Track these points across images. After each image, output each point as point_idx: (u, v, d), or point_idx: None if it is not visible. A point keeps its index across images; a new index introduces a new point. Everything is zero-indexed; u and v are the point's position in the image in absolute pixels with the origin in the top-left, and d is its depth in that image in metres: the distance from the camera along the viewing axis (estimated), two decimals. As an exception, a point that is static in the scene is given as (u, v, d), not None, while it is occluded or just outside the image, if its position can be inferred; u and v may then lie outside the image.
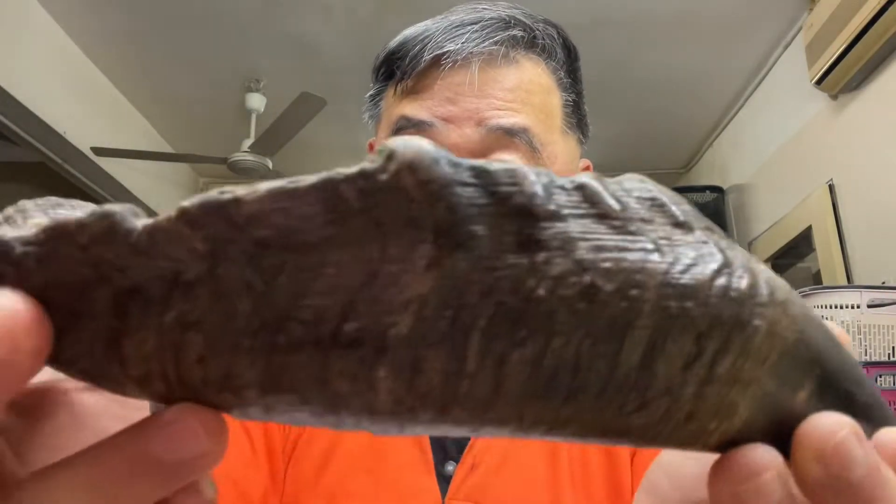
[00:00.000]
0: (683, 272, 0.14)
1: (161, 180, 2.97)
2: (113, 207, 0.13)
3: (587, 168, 0.60)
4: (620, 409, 0.14)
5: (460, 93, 0.50)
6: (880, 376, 1.25)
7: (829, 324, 0.18)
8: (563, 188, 0.14)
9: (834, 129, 1.95)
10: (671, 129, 2.81)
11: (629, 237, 0.14)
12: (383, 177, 0.12)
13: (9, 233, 0.13)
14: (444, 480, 0.49)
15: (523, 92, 0.51)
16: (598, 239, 0.13)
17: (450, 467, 0.49)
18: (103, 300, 0.13)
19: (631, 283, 0.13)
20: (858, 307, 1.37)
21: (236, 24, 2.14)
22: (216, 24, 2.14)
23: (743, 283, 0.14)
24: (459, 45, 0.50)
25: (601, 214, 0.14)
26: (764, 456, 0.15)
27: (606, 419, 0.14)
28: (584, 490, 0.48)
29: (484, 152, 0.49)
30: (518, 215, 0.13)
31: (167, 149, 2.95)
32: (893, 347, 1.35)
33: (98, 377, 0.14)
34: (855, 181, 1.86)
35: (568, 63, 0.56)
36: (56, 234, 0.13)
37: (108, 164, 2.50)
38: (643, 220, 0.14)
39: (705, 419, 0.15)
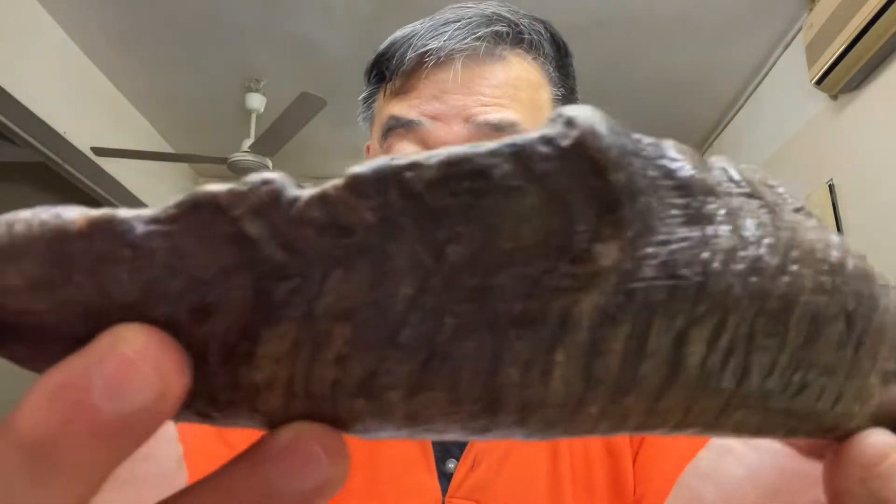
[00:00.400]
0: (827, 247, 0.14)
1: (161, 180, 2.97)
2: (270, 174, 0.11)
3: None
4: (785, 391, 0.14)
5: (446, 90, 0.50)
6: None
7: None
8: (706, 165, 0.13)
9: (834, 129, 1.95)
10: (671, 129, 2.81)
11: (775, 216, 0.14)
12: (566, 143, 0.11)
13: (122, 212, 0.11)
14: (444, 478, 0.49)
15: (511, 87, 0.51)
16: (755, 215, 0.13)
17: (450, 465, 0.49)
18: (241, 289, 0.11)
19: (791, 258, 0.13)
20: (858, 307, 1.37)
21: (236, 24, 2.14)
22: (216, 24, 2.14)
23: (867, 265, 0.15)
24: (442, 43, 0.50)
25: (748, 193, 0.14)
26: (888, 439, 0.15)
27: (771, 403, 0.14)
28: (585, 489, 0.48)
29: None
30: (683, 189, 0.12)
31: (167, 149, 2.95)
32: (893, 347, 1.35)
33: (200, 394, 0.12)
34: (855, 181, 1.86)
35: (557, 58, 0.56)
36: (198, 207, 0.11)
37: (108, 164, 2.50)
38: (777, 203, 0.14)
39: (850, 403, 0.15)
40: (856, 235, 1.85)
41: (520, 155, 0.11)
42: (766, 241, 0.13)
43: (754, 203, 0.14)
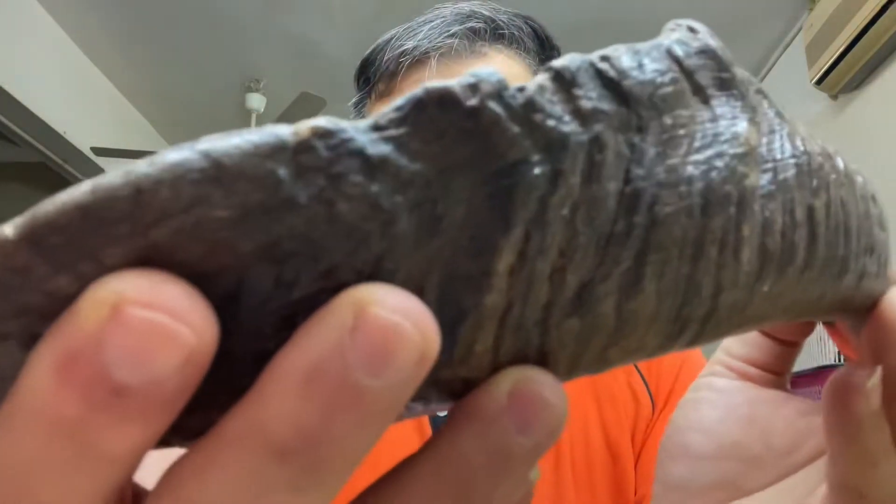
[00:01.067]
0: (828, 146, 0.16)
1: (161, 180, 2.97)
2: (485, 68, 0.10)
3: None
4: (867, 254, 0.16)
5: None
6: (880, 376, 1.26)
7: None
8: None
9: (834, 129, 1.95)
10: (671, 129, 2.81)
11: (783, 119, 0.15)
12: (697, 44, 0.14)
13: (340, 122, 0.10)
14: None
15: None
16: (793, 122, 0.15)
17: None
18: (476, 188, 0.10)
19: (807, 142, 0.15)
20: (858, 307, 1.38)
21: (236, 24, 2.14)
22: (216, 24, 2.14)
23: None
24: (417, 42, 0.52)
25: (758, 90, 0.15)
26: None
27: (864, 264, 0.16)
28: (587, 489, 0.48)
29: None
30: (765, 92, 0.15)
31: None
32: (893, 347, 1.36)
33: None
34: (855, 181, 1.86)
35: (540, 52, 0.57)
36: (427, 103, 0.10)
37: (108, 164, 2.50)
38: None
39: (885, 273, 0.17)
40: (856, 235, 1.86)
41: (670, 52, 0.13)
42: (801, 129, 0.15)
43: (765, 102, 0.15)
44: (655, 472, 0.25)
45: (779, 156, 0.13)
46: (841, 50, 1.73)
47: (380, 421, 0.09)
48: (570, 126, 0.11)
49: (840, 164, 0.15)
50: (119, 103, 2.61)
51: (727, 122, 0.12)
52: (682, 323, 0.12)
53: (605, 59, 0.11)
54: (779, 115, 0.14)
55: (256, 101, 2.50)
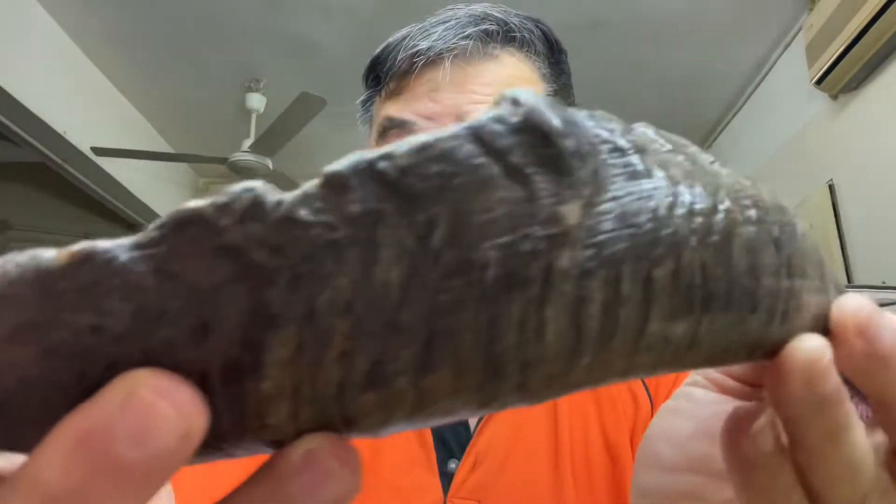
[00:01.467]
0: (746, 188, 0.16)
1: (161, 180, 2.97)
2: (251, 182, 0.11)
3: None
4: (739, 311, 0.15)
5: (438, 89, 0.52)
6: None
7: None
8: (635, 129, 0.15)
9: (834, 129, 1.95)
10: (671, 130, 2.77)
11: (697, 166, 0.16)
12: (515, 119, 0.12)
13: (102, 243, 0.11)
14: (446, 478, 0.49)
15: (502, 85, 0.52)
16: (682, 166, 0.15)
17: (452, 465, 0.49)
18: (238, 300, 0.11)
19: (720, 198, 0.15)
20: (858, 307, 1.37)
21: (236, 24, 2.14)
22: (216, 24, 2.14)
23: (778, 198, 0.17)
24: (431, 43, 0.52)
25: (671, 149, 0.16)
26: (821, 341, 0.16)
27: (730, 324, 0.15)
28: (587, 490, 0.48)
29: None
30: (620, 150, 0.14)
31: (167, 149, 2.95)
32: (893, 347, 1.35)
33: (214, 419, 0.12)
34: (855, 181, 1.86)
35: (550, 55, 0.57)
36: (182, 225, 0.11)
37: (108, 164, 2.50)
38: (694, 156, 0.16)
39: (793, 319, 0.17)
40: (856, 235, 1.85)
41: (477, 135, 0.12)
42: (697, 186, 0.15)
43: (679, 157, 0.15)
44: (632, 476, 0.25)
45: (609, 229, 0.13)
46: (841, 50, 1.73)
47: (142, 485, 0.10)
48: (334, 233, 0.11)
49: (753, 214, 0.15)
50: (119, 103, 2.61)
51: (545, 201, 0.12)
52: (489, 394, 0.13)
53: (385, 157, 0.12)
54: (689, 175, 0.15)
55: (256, 101, 2.50)
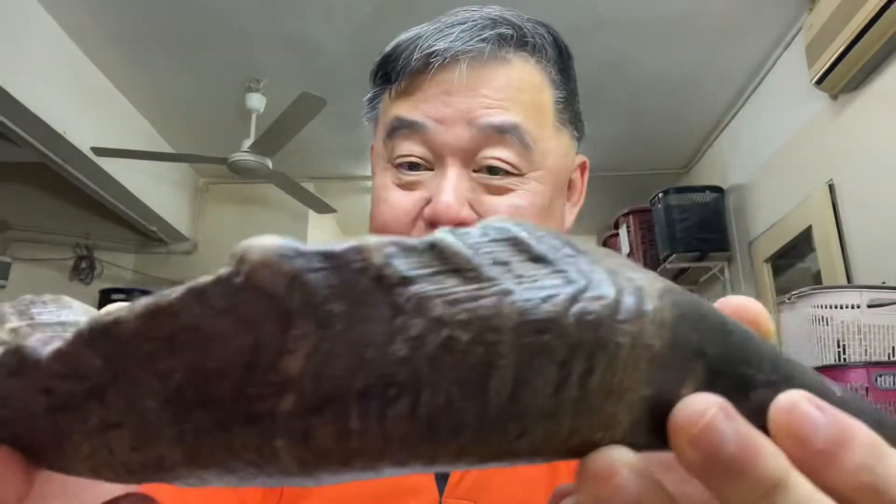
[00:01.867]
0: (537, 307, 0.15)
1: (161, 180, 2.97)
2: (23, 342, 0.15)
3: (583, 165, 0.61)
4: (502, 438, 0.15)
5: (451, 92, 0.51)
6: (880, 376, 1.26)
7: (735, 301, 0.19)
8: (414, 250, 0.15)
9: (834, 129, 1.95)
10: (671, 129, 2.81)
11: (484, 284, 0.15)
12: (238, 279, 0.14)
13: None
14: (441, 479, 0.49)
15: (514, 90, 0.52)
16: (452, 293, 0.15)
17: None
18: (42, 419, 0.16)
19: (487, 328, 0.15)
20: (858, 307, 1.37)
21: (236, 24, 2.14)
22: (216, 24, 2.14)
23: (598, 306, 0.15)
24: (448, 44, 0.51)
25: (454, 269, 0.15)
26: (615, 456, 0.16)
27: (493, 448, 0.15)
28: None
29: (476, 149, 0.51)
30: (372, 287, 0.14)
31: (167, 149, 2.95)
32: (893, 347, 1.35)
33: (72, 472, 0.17)
34: (855, 181, 1.86)
35: (559, 61, 0.57)
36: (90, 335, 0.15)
37: (108, 164, 2.50)
38: (499, 263, 0.15)
39: (589, 432, 0.16)
40: (856, 235, 1.85)
41: (201, 297, 0.14)
42: (460, 318, 0.15)
43: (452, 281, 0.15)
44: None
45: (339, 371, 0.15)
46: (841, 50, 1.73)
47: None
48: (75, 386, 0.16)
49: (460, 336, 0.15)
50: (119, 103, 2.61)
51: (268, 353, 0.14)
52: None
53: (116, 322, 0.15)
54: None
55: (256, 101, 2.50)
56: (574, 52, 0.59)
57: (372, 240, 0.15)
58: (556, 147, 0.54)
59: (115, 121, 2.57)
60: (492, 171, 0.51)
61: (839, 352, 1.36)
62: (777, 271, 2.39)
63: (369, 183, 3.36)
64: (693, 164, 3.08)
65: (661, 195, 2.65)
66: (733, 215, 2.65)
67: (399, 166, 0.53)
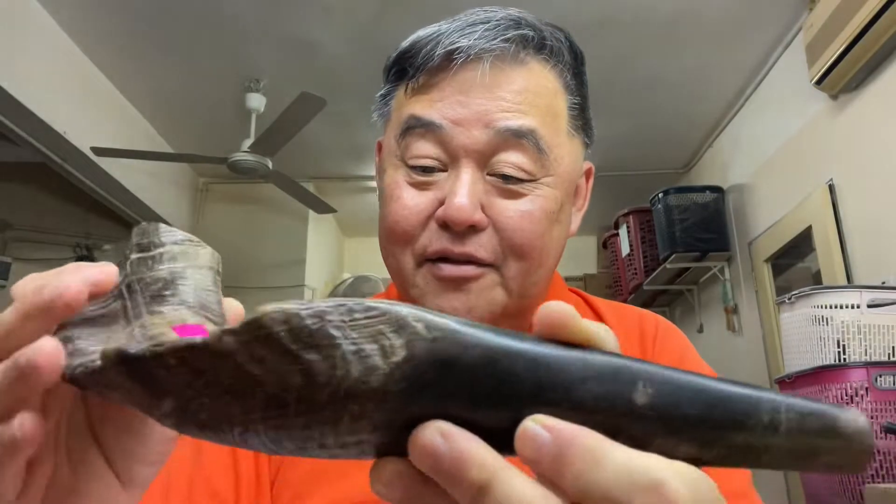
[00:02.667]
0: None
1: (161, 180, 2.97)
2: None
3: (589, 171, 0.61)
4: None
5: (468, 92, 0.51)
6: (880, 376, 1.25)
7: (540, 311, 0.21)
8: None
9: (834, 129, 1.95)
10: (671, 129, 2.81)
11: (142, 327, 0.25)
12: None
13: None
14: None
15: (531, 94, 0.52)
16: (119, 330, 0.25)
17: None
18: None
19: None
20: (858, 307, 1.37)
21: (236, 24, 2.14)
22: (216, 24, 2.14)
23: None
24: (472, 42, 0.51)
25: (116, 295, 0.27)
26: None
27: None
28: None
29: (491, 153, 0.50)
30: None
31: (167, 149, 2.95)
32: (893, 347, 1.35)
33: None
34: (855, 181, 1.86)
35: (574, 66, 0.56)
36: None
37: (108, 164, 2.50)
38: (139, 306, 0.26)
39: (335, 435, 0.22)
40: (856, 235, 1.85)
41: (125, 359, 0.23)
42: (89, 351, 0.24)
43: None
44: None
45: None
46: (841, 50, 1.73)
47: None
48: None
49: None
50: (119, 103, 2.61)
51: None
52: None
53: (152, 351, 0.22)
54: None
55: (256, 101, 2.50)
56: None
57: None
58: (569, 153, 0.54)
59: (115, 121, 2.57)
60: (506, 177, 0.51)
61: (839, 352, 1.36)
62: (777, 271, 2.39)
63: (369, 183, 3.36)
64: (693, 164, 3.08)
65: (661, 195, 2.65)
66: (733, 215, 2.64)
67: (413, 167, 0.52)
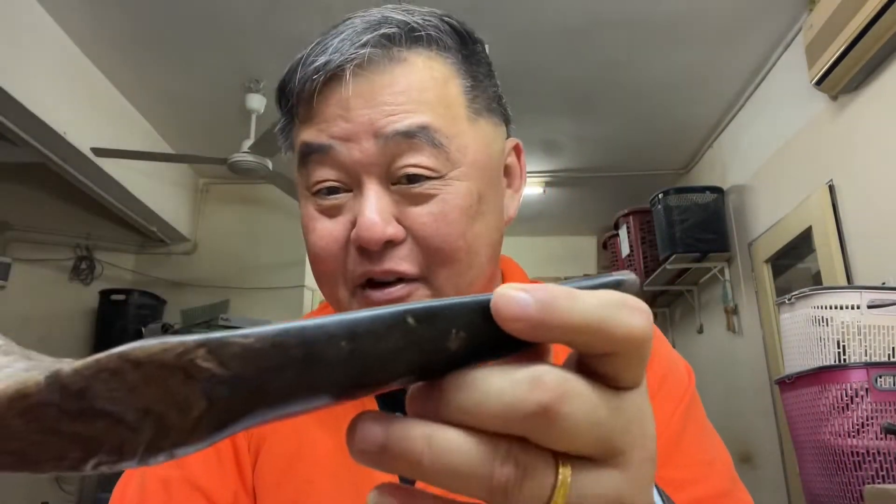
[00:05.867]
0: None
1: (161, 180, 2.97)
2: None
3: (516, 148, 0.58)
4: None
5: (349, 107, 0.49)
6: (880, 377, 1.25)
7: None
8: None
9: (834, 129, 1.95)
10: (671, 130, 2.81)
11: None
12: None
13: None
14: (406, 480, 0.49)
15: (415, 90, 0.50)
16: None
17: None
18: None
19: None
20: (858, 308, 1.37)
21: (236, 24, 2.14)
22: (216, 24, 2.14)
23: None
24: (328, 57, 0.49)
25: None
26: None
27: None
28: None
29: (388, 161, 0.49)
30: None
31: (167, 149, 2.95)
32: (893, 348, 1.35)
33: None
34: (855, 181, 1.86)
35: (462, 48, 0.54)
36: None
37: (108, 164, 2.50)
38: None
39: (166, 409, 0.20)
40: (856, 236, 1.85)
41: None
42: None
43: None
44: None
45: None
46: (841, 50, 1.73)
47: None
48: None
49: None
50: (119, 103, 2.61)
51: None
52: None
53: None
54: None
55: (256, 102, 2.50)
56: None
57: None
58: (474, 139, 0.52)
59: (115, 121, 2.57)
60: (411, 179, 0.48)
61: (839, 352, 1.36)
62: (777, 272, 2.39)
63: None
64: (693, 164, 3.08)
65: (660, 195, 2.65)
66: (733, 216, 2.64)
67: (317, 193, 0.50)
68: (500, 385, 0.19)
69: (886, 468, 1.20)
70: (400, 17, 0.51)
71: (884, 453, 1.21)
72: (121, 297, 3.03)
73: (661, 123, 2.75)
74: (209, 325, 2.89)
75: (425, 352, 0.20)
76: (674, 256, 2.60)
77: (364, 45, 0.49)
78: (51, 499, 2.71)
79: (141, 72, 2.44)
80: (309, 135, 0.51)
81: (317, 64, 0.49)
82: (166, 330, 2.93)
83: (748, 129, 2.54)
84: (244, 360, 0.17)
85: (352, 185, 0.50)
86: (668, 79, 2.42)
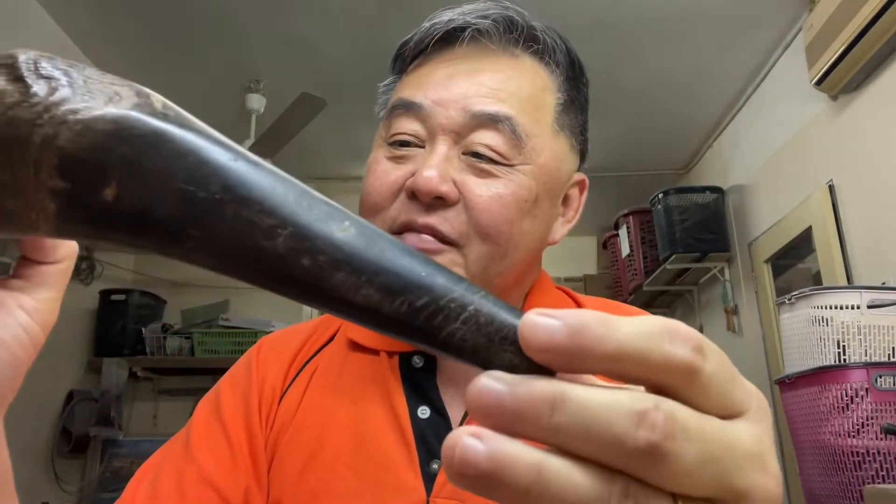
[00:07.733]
0: None
1: (161, 180, 2.97)
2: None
3: (582, 183, 0.61)
4: None
5: (453, 76, 0.53)
6: (880, 377, 1.25)
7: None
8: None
9: (834, 129, 1.95)
10: (671, 130, 2.81)
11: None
12: None
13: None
14: (429, 479, 0.49)
15: (514, 84, 0.53)
16: None
17: (434, 466, 0.49)
18: None
19: None
20: (858, 308, 1.37)
21: (236, 24, 2.14)
22: (216, 24, 2.14)
23: (29, 112, 0.20)
24: (454, 16, 0.54)
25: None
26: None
27: None
28: None
29: (467, 132, 0.52)
30: None
31: (167, 149, 2.95)
32: (893, 348, 1.35)
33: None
34: (855, 181, 1.86)
35: (570, 71, 0.58)
36: None
37: (108, 165, 2.50)
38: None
39: (24, 212, 0.21)
40: (856, 235, 1.85)
41: None
42: None
43: None
44: None
45: None
46: (841, 50, 1.73)
47: None
48: None
49: None
50: (119, 103, 2.60)
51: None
52: None
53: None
54: None
55: (256, 102, 2.50)
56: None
57: None
58: (551, 147, 0.55)
59: (115, 121, 2.57)
60: (478, 156, 0.51)
61: (839, 352, 1.36)
62: (777, 272, 2.39)
63: (369, 183, 3.36)
64: (693, 164, 3.08)
65: (661, 195, 2.65)
66: (733, 216, 2.64)
67: (392, 143, 0.54)
68: (606, 416, 0.17)
69: (886, 468, 1.20)
70: (528, 19, 0.56)
71: (884, 453, 1.21)
72: (121, 297, 3.03)
73: (662, 123, 2.75)
74: (209, 325, 2.89)
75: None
76: (674, 256, 2.60)
77: (484, 17, 0.54)
78: (51, 499, 2.71)
79: (141, 72, 2.43)
80: (407, 92, 0.55)
81: (441, 19, 0.54)
82: (166, 330, 2.93)
83: (748, 129, 2.54)
84: None
85: (426, 142, 0.53)
86: (667, 79, 2.42)
